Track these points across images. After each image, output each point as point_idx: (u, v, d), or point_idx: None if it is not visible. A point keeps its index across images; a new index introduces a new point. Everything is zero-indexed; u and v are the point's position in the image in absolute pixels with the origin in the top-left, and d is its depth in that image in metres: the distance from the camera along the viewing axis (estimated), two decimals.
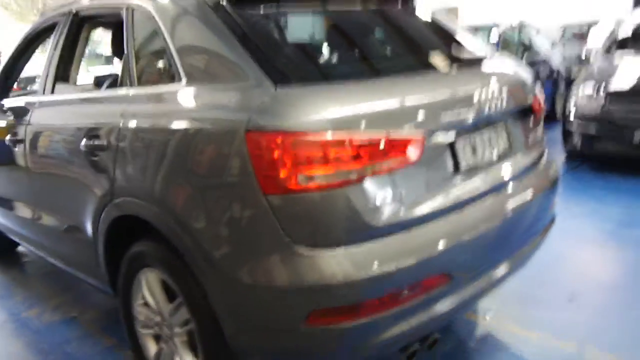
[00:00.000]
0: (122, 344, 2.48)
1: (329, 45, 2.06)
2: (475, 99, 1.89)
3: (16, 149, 2.81)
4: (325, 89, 1.67)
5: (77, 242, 2.45)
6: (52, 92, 2.64)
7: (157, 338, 2.13)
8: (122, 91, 2.18)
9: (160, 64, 2.05)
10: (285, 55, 1.81)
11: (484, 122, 1.98)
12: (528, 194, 2.09)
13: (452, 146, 1.85)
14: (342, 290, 1.54)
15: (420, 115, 1.72)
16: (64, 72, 2.65)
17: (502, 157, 2.06)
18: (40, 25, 2.97)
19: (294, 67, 1.76)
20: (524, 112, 2.24)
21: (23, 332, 2.86)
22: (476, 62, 2.19)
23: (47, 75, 2.70)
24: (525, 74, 2.33)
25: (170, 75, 1.95)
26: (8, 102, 3.08)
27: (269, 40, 1.81)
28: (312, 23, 2.02)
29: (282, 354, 1.71)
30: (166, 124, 1.85)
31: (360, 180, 1.56)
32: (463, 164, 1.87)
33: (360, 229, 1.57)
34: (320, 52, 1.94)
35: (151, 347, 2.16)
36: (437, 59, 2.05)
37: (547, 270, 3.10)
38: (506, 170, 2.06)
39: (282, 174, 1.52)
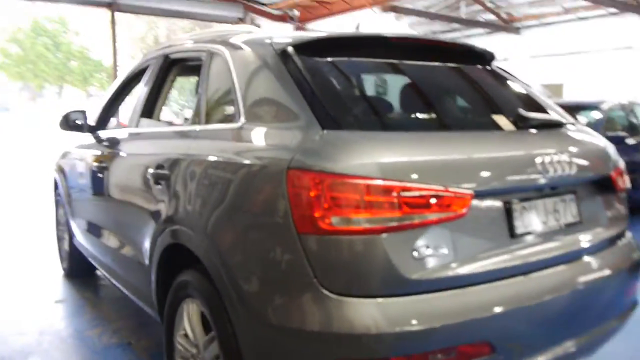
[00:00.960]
0: None
1: (388, 96, 2.07)
2: (539, 163, 1.78)
3: (100, 176, 3.04)
4: (372, 135, 1.66)
5: (137, 267, 2.56)
6: (137, 126, 2.85)
7: None
8: (190, 127, 2.30)
9: (226, 104, 2.15)
10: (340, 102, 1.83)
11: (549, 188, 1.86)
12: (598, 272, 1.90)
13: (508, 209, 1.74)
14: (369, 343, 1.46)
15: (472, 172, 1.65)
16: (149, 108, 2.86)
17: (569, 228, 1.91)
18: (139, 67, 3.26)
19: (346, 113, 1.77)
20: (601, 184, 2.07)
21: (81, 349, 2.99)
22: (549, 126, 2.07)
23: (134, 111, 2.93)
24: (605, 143, 2.17)
25: (232, 116, 2.04)
26: (103, 134, 3.37)
27: (327, 87, 1.84)
28: (375, 73, 2.04)
29: None
30: (217, 159, 1.93)
31: (398, 229, 1.51)
32: (519, 229, 1.75)
33: (394, 281, 1.50)
34: (378, 103, 1.95)
35: None
36: (503, 118, 1.97)
37: None
38: (573, 242, 1.90)
39: (317, 213, 1.50)
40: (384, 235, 1.50)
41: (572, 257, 1.87)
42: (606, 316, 1.99)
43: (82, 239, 3.64)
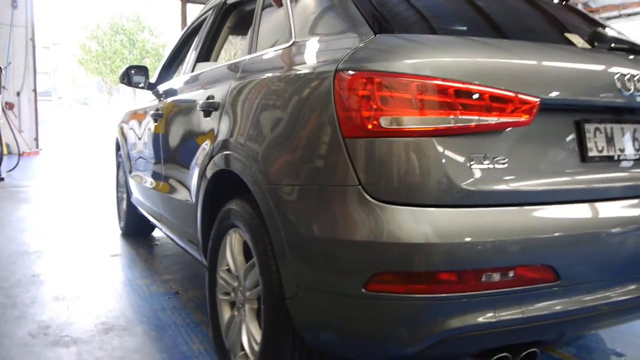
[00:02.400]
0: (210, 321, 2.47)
1: (448, 5, 1.90)
2: (617, 79, 1.57)
3: (155, 125, 3.05)
4: (427, 38, 1.52)
5: (185, 208, 2.53)
6: (192, 71, 2.83)
7: (233, 305, 2.06)
8: (241, 58, 2.24)
9: (278, 30, 2.07)
10: (396, 8, 1.71)
11: (627, 112, 1.65)
12: None
13: (580, 128, 1.56)
14: (416, 254, 1.31)
15: (538, 79, 1.47)
16: (206, 53, 2.84)
17: None
18: (198, 18, 3.25)
19: (401, 18, 1.65)
20: None
21: (130, 295, 3.01)
22: (631, 50, 1.84)
23: (191, 58, 2.92)
24: None
25: (285, 37, 1.96)
26: (163, 87, 3.39)
27: None
28: None
29: (341, 328, 1.50)
30: (267, 77, 1.85)
31: (452, 132, 1.36)
32: (592, 152, 1.56)
33: (446, 189, 1.35)
34: (438, 9, 1.79)
35: (226, 314, 2.09)
36: (578, 37, 1.77)
37: None
38: None
39: (364, 114, 1.38)
40: (437, 138, 1.35)
41: None
42: None
43: (137, 194, 3.69)
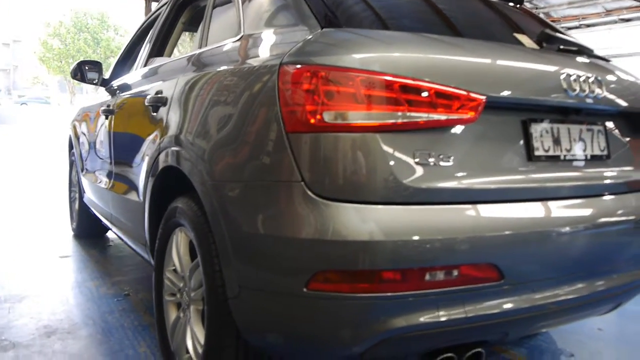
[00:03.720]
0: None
1: (402, 1, 1.88)
2: (564, 79, 1.58)
3: (105, 122, 2.96)
4: (374, 33, 1.50)
5: (134, 206, 2.45)
6: (145, 66, 2.75)
7: (179, 306, 1.99)
8: (190, 53, 2.19)
9: (228, 24, 2.02)
10: (345, 4, 1.68)
11: (574, 112, 1.66)
12: (622, 214, 1.68)
13: (526, 127, 1.56)
14: (359, 252, 1.28)
15: (484, 76, 1.47)
16: (159, 48, 2.76)
17: (594, 161, 1.70)
18: (152, 14, 3.17)
19: (350, 13, 1.62)
20: (636, 122, 1.86)
21: (77, 297, 2.90)
22: (579, 52, 1.86)
23: (144, 53, 2.83)
24: None
25: (233, 32, 1.91)
26: (116, 82, 3.29)
27: None
28: None
29: (283, 328, 1.46)
30: (214, 71, 1.81)
31: (397, 128, 1.33)
32: (538, 151, 1.56)
33: (390, 186, 1.32)
34: (387, 6, 1.77)
35: (172, 316, 2.02)
36: (527, 38, 1.78)
37: None
38: (596, 176, 1.69)
39: (308, 109, 1.34)
40: (382, 134, 1.33)
41: (595, 192, 1.66)
42: (630, 264, 1.76)
43: (90, 193, 3.57)
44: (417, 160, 1.35)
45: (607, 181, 1.71)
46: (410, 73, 1.36)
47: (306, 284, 1.32)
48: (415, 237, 1.30)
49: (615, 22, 13.99)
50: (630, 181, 1.78)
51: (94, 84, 3.45)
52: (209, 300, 1.63)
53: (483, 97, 1.41)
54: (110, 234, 4.28)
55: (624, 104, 1.78)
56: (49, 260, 3.59)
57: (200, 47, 2.15)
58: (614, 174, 1.74)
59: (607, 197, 1.68)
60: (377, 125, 1.32)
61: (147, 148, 2.21)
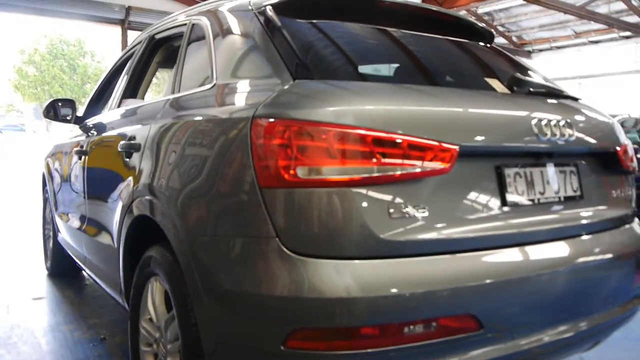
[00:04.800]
0: None
1: (371, 52, 1.90)
2: (535, 125, 1.61)
3: (78, 163, 2.91)
4: (348, 84, 1.50)
5: (107, 253, 2.40)
6: (119, 107, 2.73)
7: (155, 357, 1.94)
8: (164, 98, 2.17)
9: (201, 70, 2.02)
10: (318, 56, 1.68)
11: (546, 156, 1.68)
12: (599, 253, 1.71)
13: (500, 173, 1.57)
14: (335, 310, 1.27)
15: (456, 126, 1.48)
16: (133, 89, 2.74)
17: (569, 202, 1.72)
18: (126, 53, 3.15)
19: (320, 65, 1.62)
20: (606, 160, 1.89)
21: (51, 343, 2.81)
22: (549, 94, 1.90)
23: (117, 93, 2.81)
24: (612, 120, 2.00)
25: (206, 79, 1.90)
26: (90, 121, 3.25)
27: (302, 42, 1.68)
28: (355, 33, 1.88)
29: None
30: (186, 121, 1.79)
31: (371, 182, 1.33)
32: (512, 197, 1.57)
33: (366, 241, 1.32)
34: (357, 56, 1.78)
35: None
36: (498, 82, 1.81)
37: None
38: (572, 217, 1.71)
39: (281, 163, 1.34)
40: (355, 188, 1.32)
41: (570, 233, 1.68)
42: (607, 303, 1.78)
43: (64, 233, 3.50)
44: (392, 213, 1.35)
45: (582, 221, 1.73)
46: (383, 126, 1.36)
47: (283, 342, 1.30)
48: (393, 291, 1.29)
49: (584, 44, 14.40)
50: (604, 219, 1.81)
51: (67, 122, 3.40)
52: (184, 354, 1.60)
53: (456, 147, 1.42)
54: (85, 273, 4.18)
55: (594, 143, 1.82)
56: (21, 302, 3.49)
57: (173, 92, 2.13)
58: (589, 213, 1.77)
59: (583, 238, 1.70)
60: (352, 180, 1.32)
61: (121, 194, 2.17)
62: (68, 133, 3.64)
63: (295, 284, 1.30)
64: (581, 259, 1.64)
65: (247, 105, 1.52)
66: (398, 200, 1.36)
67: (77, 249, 3.11)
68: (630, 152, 1.98)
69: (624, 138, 1.96)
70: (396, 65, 1.88)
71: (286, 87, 1.47)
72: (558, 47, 14.91)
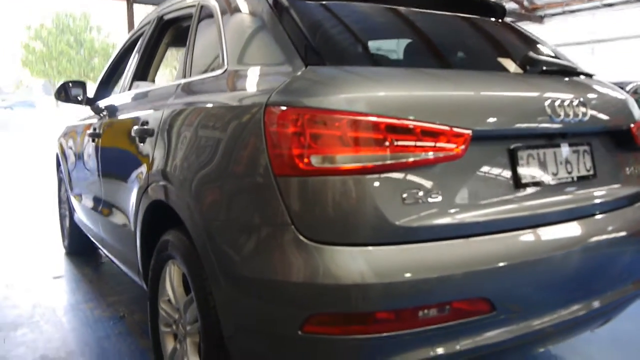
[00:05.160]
0: None
1: (382, 36, 1.89)
2: (549, 106, 1.60)
3: (92, 145, 2.94)
4: (361, 70, 1.50)
5: (124, 235, 2.45)
6: (129, 89, 2.74)
7: (175, 337, 2.00)
8: (175, 82, 2.18)
9: (212, 53, 2.02)
10: (327, 40, 1.68)
11: (560, 136, 1.68)
12: (613, 231, 1.71)
13: (513, 156, 1.57)
14: (350, 296, 1.30)
15: (469, 110, 1.48)
16: (143, 71, 2.74)
17: (582, 182, 1.72)
18: (135, 33, 3.14)
19: (332, 50, 1.61)
20: (620, 138, 1.88)
21: (72, 322, 2.90)
22: (562, 72, 1.88)
23: (127, 75, 2.82)
24: (626, 96, 1.98)
25: (217, 64, 1.90)
26: (100, 103, 3.27)
27: (313, 26, 1.68)
28: (364, 12, 1.86)
29: None
30: (199, 107, 1.80)
31: (385, 169, 1.34)
32: (525, 179, 1.58)
33: (380, 227, 1.34)
34: (370, 37, 1.77)
35: (169, 346, 2.03)
36: (510, 62, 1.79)
37: None
38: (585, 197, 1.71)
39: (295, 152, 1.35)
40: (370, 176, 1.34)
41: (584, 213, 1.68)
42: (620, 281, 1.79)
43: (80, 214, 3.55)
44: (405, 199, 1.36)
45: (595, 200, 1.73)
46: (396, 112, 1.36)
47: (300, 326, 1.34)
48: (407, 277, 1.31)
49: (598, 7, 14.05)
50: (617, 198, 1.81)
51: (79, 103, 3.43)
52: (204, 336, 1.64)
53: (469, 132, 1.42)
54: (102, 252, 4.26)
55: (607, 122, 1.80)
56: (42, 281, 3.58)
57: (184, 76, 2.14)
58: (602, 192, 1.77)
59: (596, 217, 1.70)
60: (365, 168, 1.33)
61: (136, 179, 2.20)
62: (80, 113, 3.67)
63: (311, 270, 1.32)
64: (594, 239, 1.65)
65: (259, 92, 1.53)
66: (411, 186, 1.37)
67: (94, 230, 3.17)
68: None
69: (638, 114, 1.95)
70: (407, 46, 1.86)
71: (298, 73, 1.47)
72: (571, 11, 14.58)
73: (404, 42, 1.87)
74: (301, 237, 1.35)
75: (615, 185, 1.83)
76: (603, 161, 1.81)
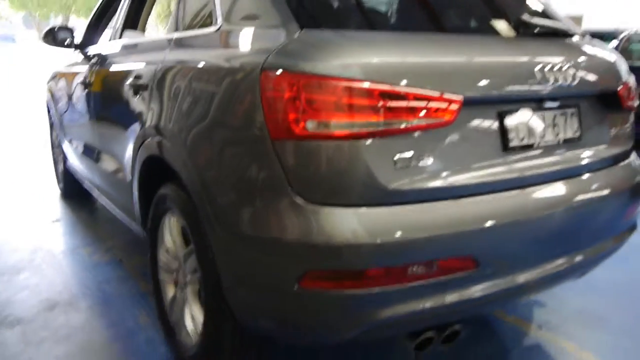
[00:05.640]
0: None
1: None
2: (538, 72, 1.64)
3: (84, 93, 2.94)
4: (355, 34, 1.52)
5: (120, 183, 2.51)
6: (120, 38, 2.71)
7: (176, 284, 2.10)
8: (167, 35, 2.17)
9: (204, 8, 2.01)
10: (323, 1, 1.68)
11: (547, 98, 1.73)
12: (596, 191, 1.80)
13: (501, 119, 1.63)
14: (345, 253, 1.38)
15: (462, 77, 1.52)
16: (132, 19, 2.71)
17: (568, 144, 1.79)
18: None
19: (326, 12, 1.63)
20: (607, 99, 1.93)
21: (73, 266, 3.00)
22: (554, 34, 1.91)
23: (117, 23, 2.78)
24: (615, 57, 2.01)
25: (210, 20, 1.90)
26: (89, 50, 3.24)
27: None
28: None
29: (277, 318, 1.58)
30: (193, 65, 1.82)
31: (378, 135, 1.40)
32: (513, 142, 1.64)
33: (373, 189, 1.41)
34: (362, 1, 1.78)
35: (169, 292, 2.14)
36: (504, 23, 1.81)
37: (623, 293, 2.73)
38: (571, 158, 1.79)
39: (291, 117, 1.39)
40: (363, 141, 1.39)
41: (570, 173, 1.76)
42: (602, 236, 1.90)
43: (74, 160, 3.59)
44: (397, 163, 1.42)
45: (581, 162, 1.81)
46: (390, 78, 1.40)
47: (297, 281, 1.43)
48: (397, 236, 1.40)
49: None
50: (602, 158, 1.88)
51: (67, 47, 3.40)
52: (205, 286, 1.74)
53: (460, 97, 1.47)
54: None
55: (596, 85, 1.85)
56: (41, 224, 3.66)
57: (176, 29, 2.13)
58: (587, 153, 1.84)
59: (581, 177, 1.78)
60: (360, 133, 1.38)
61: (130, 132, 2.24)
62: (69, 58, 3.62)
63: (306, 229, 1.40)
64: (578, 198, 1.73)
65: (255, 53, 1.54)
66: (403, 150, 1.43)
67: (89, 178, 3.22)
68: (633, 90, 2.02)
69: (626, 75, 1.99)
70: (401, 8, 1.86)
71: (295, 36, 1.49)
72: None
73: (400, 6, 1.86)
74: (297, 199, 1.41)
75: (601, 146, 1.90)
76: (589, 123, 1.87)
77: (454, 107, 1.46)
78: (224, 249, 1.60)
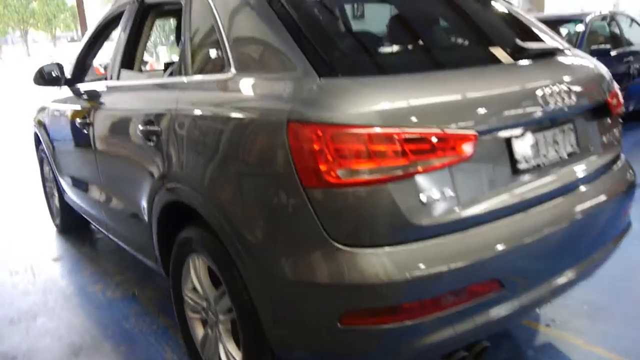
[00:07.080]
0: (177, 327, 2.55)
1: (384, 36, 1.97)
2: (540, 96, 1.75)
3: (85, 131, 2.95)
4: (372, 81, 1.60)
5: (136, 224, 2.54)
6: (118, 78, 2.74)
7: (205, 323, 2.16)
8: (176, 79, 2.21)
9: (213, 52, 2.05)
10: (336, 46, 1.75)
11: (548, 120, 1.84)
12: (598, 198, 1.92)
13: (509, 145, 1.73)
14: (380, 291, 1.48)
15: (475, 112, 1.61)
16: (129, 58, 2.73)
17: (569, 158, 1.91)
18: (111, 14, 3.08)
19: (343, 59, 1.70)
20: (598, 110, 2.06)
21: (87, 306, 3.02)
22: (545, 54, 2.02)
23: (114, 62, 2.80)
24: (600, 67, 2.14)
25: (221, 65, 1.95)
26: (83, 87, 3.24)
27: (321, 31, 1.76)
28: (371, 13, 1.94)
29: (319, 352, 1.68)
30: (211, 112, 1.86)
31: (404, 177, 1.48)
32: (522, 164, 1.75)
33: (403, 228, 1.50)
34: (375, 44, 1.86)
35: (199, 331, 2.20)
36: (501, 51, 1.91)
37: (621, 282, 2.88)
38: (573, 172, 1.90)
39: (322, 167, 1.47)
40: (391, 184, 1.48)
41: (570, 188, 1.88)
42: (603, 241, 2.04)
43: (73, 196, 3.59)
44: (423, 200, 1.51)
45: (583, 173, 1.92)
46: (412, 122, 1.49)
47: (339, 320, 1.52)
48: (428, 270, 1.49)
49: None
50: (599, 166, 2.01)
51: (57, 84, 3.41)
52: (242, 327, 1.81)
53: (475, 133, 1.57)
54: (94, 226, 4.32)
55: (590, 99, 1.97)
56: (43, 264, 3.65)
57: (184, 73, 2.16)
58: (585, 165, 1.96)
59: (585, 188, 1.91)
60: (388, 177, 1.47)
61: (144, 176, 2.27)
62: (55, 93, 3.62)
63: (343, 271, 1.49)
64: (585, 207, 1.86)
65: (278, 105, 1.60)
66: (427, 188, 1.52)
67: (95, 215, 3.23)
68: (619, 95, 2.15)
69: (611, 83, 2.12)
70: (404, 46, 1.94)
71: (314, 87, 1.56)
72: None
73: (407, 48, 1.95)
74: (333, 242, 1.50)
75: (596, 156, 2.02)
76: (584, 135, 1.99)
77: (471, 141, 1.55)
78: (263, 292, 1.68)
